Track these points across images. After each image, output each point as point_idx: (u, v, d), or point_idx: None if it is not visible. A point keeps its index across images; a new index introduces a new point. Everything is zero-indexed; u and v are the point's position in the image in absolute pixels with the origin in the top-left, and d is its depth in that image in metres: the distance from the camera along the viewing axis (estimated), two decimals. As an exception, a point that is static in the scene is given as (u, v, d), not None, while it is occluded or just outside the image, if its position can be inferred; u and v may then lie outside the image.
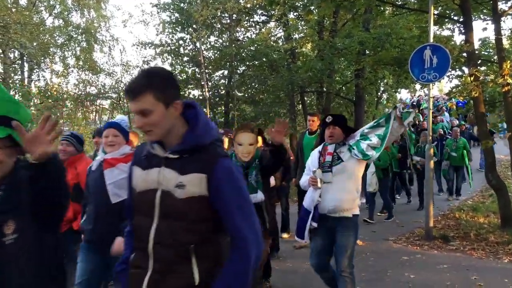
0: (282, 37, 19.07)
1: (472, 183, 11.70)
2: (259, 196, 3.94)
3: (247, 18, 19.13)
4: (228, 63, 17.96)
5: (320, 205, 4.05)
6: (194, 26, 17.03)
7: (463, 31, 9.25)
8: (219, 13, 16.77)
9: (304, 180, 4.29)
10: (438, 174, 12.20)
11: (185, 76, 18.66)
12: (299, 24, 18.66)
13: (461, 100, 16.28)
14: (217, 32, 18.63)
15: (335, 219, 4.04)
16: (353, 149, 4.10)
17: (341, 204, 4.01)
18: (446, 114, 20.54)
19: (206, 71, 17.40)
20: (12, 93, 16.16)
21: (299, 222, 4.26)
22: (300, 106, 18.90)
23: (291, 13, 17.74)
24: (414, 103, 28.53)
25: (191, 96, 18.99)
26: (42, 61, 16.83)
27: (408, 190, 11.52)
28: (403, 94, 31.99)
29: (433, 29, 8.26)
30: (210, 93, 17.97)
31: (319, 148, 4.36)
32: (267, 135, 7.67)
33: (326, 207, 4.03)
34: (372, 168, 8.97)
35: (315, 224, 4.07)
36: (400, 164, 10.53)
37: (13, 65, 17.62)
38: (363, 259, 6.54)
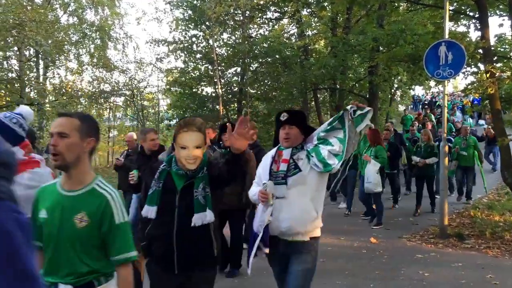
0: (295, 33, 19.05)
1: (487, 187, 10.77)
2: (208, 217, 2.87)
3: (260, 15, 19.12)
4: (241, 60, 17.98)
5: (272, 225, 3.24)
6: (207, 23, 17.07)
7: (479, 27, 9.14)
8: (232, 10, 16.78)
9: (253, 192, 3.46)
10: (438, 175, 11.55)
11: (198, 73, 18.74)
12: (312, 20, 18.61)
13: (476, 97, 16.07)
14: (230, 29, 18.65)
15: (288, 243, 3.27)
16: (312, 156, 3.27)
17: (297, 225, 3.22)
18: (458, 114, 20.04)
19: (219, 68, 17.44)
20: (27, 90, 16.39)
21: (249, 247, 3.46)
22: (313, 103, 18.85)
23: (304, 9, 17.71)
24: (426, 102, 28.20)
25: (204, 93, 19.04)
26: (57, 58, 17.00)
27: (396, 194, 10.54)
28: (417, 91, 31.67)
29: (448, 25, 8.17)
30: (223, 90, 18.01)
31: (272, 152, 3.52)
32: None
33: (278, 228, 3.23)
34: (375, 165, 8.23)
35: (266, 250, 3.30)
36: (390, 164, 9.60)
37: (29, 63, 17.81)
38: (377, 257, 6.52)
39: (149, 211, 2.88)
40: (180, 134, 2.87)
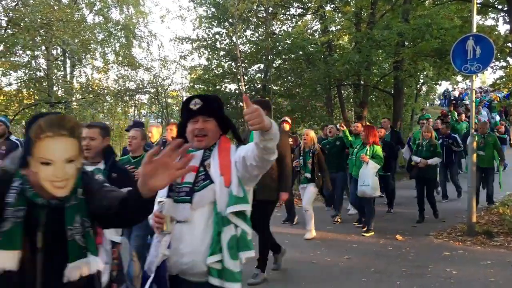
0: (319, 29, 18.92)
1: (503, 185, 9.84)
2: (92, 265, 1.80)
3: (283, 11, 19.06)
4: (264, 57, 17.95)
5: (170, 261, 2.29)
6: (230, 20, 17.10)
7: (507, 20, 8.96)
8: (255, 7, 16.77)
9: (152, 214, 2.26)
10: (443, 177, 10.63)
11: (221, 71, 18.79)
12: (336, 16, 18.44)
13: (505, 92, 15.69)
14: (253, 26, 18.64)
15: (193, 285, 2.34)
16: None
17: (203, 260, 2.25)
18: (483, 112, 19.23)
19: (242, 65, 17.45)
20: (55, 88, 16.70)
21: None
22: (337, 99, 18.71)
23: (328, 5, 17.56)
24: (452, 98, 27.57)
25: (227, 90, 19.09)
26: (83, 57, 17.25)
27: (392, 198, 9.70)
28: (444, 86, 31.12)
29: (476, 18, 8.00)
30: (246, 87, 18.01)
31: None
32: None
33: (178, 264, 2.29)
34: (374, 166, 7.48)
35: None
36: (384, 165, 8.48)
37: (56, 62, 18.14)
38: (403, 254, 6.46)
39: (5, 260, 1.68)
40: (39, 142, 1.68)
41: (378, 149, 7.68)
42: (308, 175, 7.29)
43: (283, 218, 8.87)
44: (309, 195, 7.38)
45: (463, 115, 15.57)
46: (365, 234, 7.54)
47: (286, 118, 9.02)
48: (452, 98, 27.49)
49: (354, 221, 8.53)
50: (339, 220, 8.67)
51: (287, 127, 8.57)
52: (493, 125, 19.35)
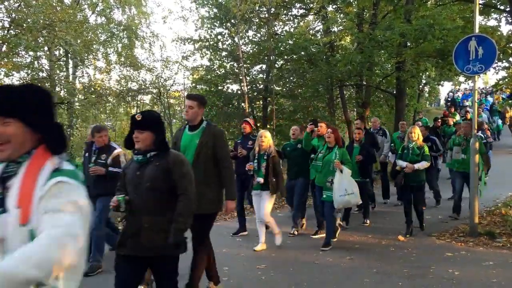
0: (321, 30, 18.94)
1: (484, 190, 8.23)
2: None
3: (285, 11, 19.07)
4: (266, 57, 17.98)
5: None
6: (232, 21, 17.13)
7: (510, 20, 8.95)
8: (257, 7, 16.80)
9: None
10: (428, 180, 9.38)
11: (223, 71, 18.82)
12: (338, 16, 18.48)
13: (507, 93, 15.62)
14: (255, 27, 18.67)
15: None
16: None
17: None
18: (484, 115, 18.83)
19: (245, 65, 17.47)
20: (57, 89, 16.72)
21: None
22: (339, 100, 18.72)
23: (330, 5, 17.58)
24: (449, 99, 27.48)
25: (229, 90, 19.12)
26: (85, 58, 17.28)
27: (367, 207, 8.75)
28: (446, 87, 31.20)
29: (479, 19, 8.00)
30: (249, 87, 18.04)
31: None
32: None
33: None
34: (348, 171, 6.75)
35: None
36: (361, 170, 8.06)
37: (58, 62, 18.18)
38: (405, 255, 6.45)
39: None
40: None
41: (346, 153, 6.99)
42: (261, 179, 6.58)
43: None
44: (266, 204, 6.66)
45: (450, 119, 14.69)
46: (324, 249, 6.66)
47: (248, 119, 8.41)
48: (449, 99, 27.36)
49: (313, 234, 7.71)
50: (296, 232, 7.78)
51: (247, 128, 8.02)
52: (494, 129, 19.25)
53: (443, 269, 5.72)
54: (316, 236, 7.56)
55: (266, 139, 6.66)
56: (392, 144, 10.23)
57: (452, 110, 19.84)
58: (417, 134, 7.62)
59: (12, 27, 13.57)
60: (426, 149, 7.60)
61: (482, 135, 10.30)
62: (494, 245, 6.87)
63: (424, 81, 23.13)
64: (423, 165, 7.43)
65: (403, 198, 7.98)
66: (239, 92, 18.50)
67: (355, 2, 14.32)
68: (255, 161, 6.66)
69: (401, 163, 7.54)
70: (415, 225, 7.82)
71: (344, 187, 6.60)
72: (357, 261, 6.18)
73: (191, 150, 4.45)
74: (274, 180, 6.57)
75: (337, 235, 7.32)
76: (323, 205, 7.03)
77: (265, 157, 6.59)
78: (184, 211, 3.41)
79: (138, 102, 21.57)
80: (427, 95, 26.06)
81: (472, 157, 7.57)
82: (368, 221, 8.54)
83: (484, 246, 6.84)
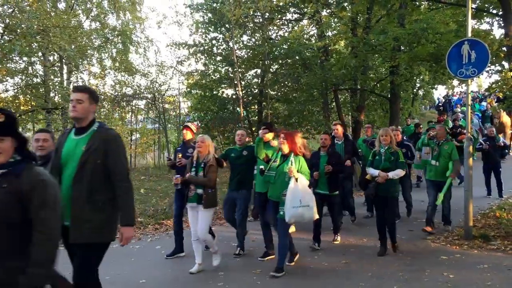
0: (315, 34, 18.99)
1: (442, 198, 7.76)
2: None
3: (279, 16, 19.12)
4: (261, 62, 18.01)
5: None
6: (227, 25, 17.14)
7: (502, 24, 9.02)
8: (251, 12, 16.82)
9: None
10: (406, 194, 9.19)
11: (218, 76, 18.82)
12: (332, 21, 18.56)
13: (500, 96, 15.62)
14: (249, 31, 18.69)
15: None
16: None
17: None
18: (475, 120, 18.46)
19: (239, 70, 17.49)
20: (52, 95, 16.68)
21: None
22: (334, 104, 18.77)
23: (324, 10, 17.64)
24: (441, 104, 27.52)
25: (224, 95, 19.13)
26: (80, 63, 17.25)
27: (337, 224, 7.62)
28: (440, 90, 31.43)
29: (471, 23, 8.05)
30: (243, 92, 18.05)
31: None
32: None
33: None
34: (306, 181, 5.86)
35: None
36: (330, 182, 7.10)
37: (53, 68, 18.13)
38: (401, 258, 6.46)
39: None
40: None
41: (304, 161, 5.96)
42: (200, 191, 5.84)
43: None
44: (205, 220, 5.90)
45: (421, 126, 14.20)
46: (275, 274, 5.77)
47: (189, 124, 7.25)
48: (440, 104, 27.35)
49: (261, 256, 6.67)
50: (241, 252, 6.89)
51: (188, 135, 7.03)
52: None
53: (438, 272, 5.74)
54: (266, 259, 6.57)
55: (204, 144, 5.94)
56: (360, 150, 9.48)
57: (445, 116, 19.80)
58: (390, 137, 6.65)
59: (6, 32, 13.54)
60: (401, 155, 6.63)
61: (475, 137, 10.25)
62: (488, 248, 6.90)
63: (418, 85, 23.26)
64: (397, 173, 6.48)
65: (376, 213, 6.99)
66: (234, 96, 18.50)
67: (349, 7, 14.38)
68: (193, 169, 5.93)
69: (373, 172, 6.62)
70: (409, 228, 7.83)
71: (298, 198, 5.61)
72: (353, 264, 6.19)
73: (75, 159, 3.42)
74: (210, 191, 5.86)
75: (295, 259, 6.35)
76: (276, 222, 6.05)
77: (202, 166, 5.88)
78: (39, 258, 2.43)
79: (133, 107, 21.55)
80: (421, 98, 26.17)
81: (465, 159, 7.60)
82: (338, 238, 7.50)
83: (479, 249, 6.87)
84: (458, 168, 7.91)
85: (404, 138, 9.88)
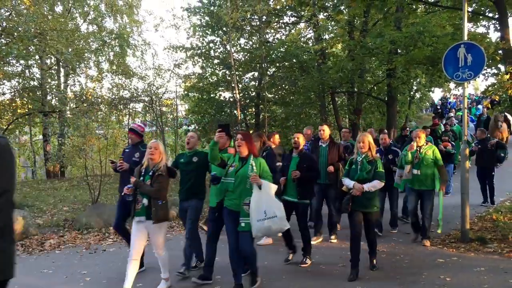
0: (312, 37, 19.06)
1: (441, 225, 7.41)
2: None
3: (276, 19, 19.17)
4: (258, 65, 18.02)
5: None
6: (224, 28, 17.17)
7: (498, 28, 9.06)
8: (248, 15, 16.86)
9: None
10: (389, 199, 8.34)
11: (215, 79, 18.84)
12: (329, 24, 18.60)
13: (496, 99, 15.65)
14: (247, 34, 18.72)
15: None
16: None
17: None
18: (471, 125, 18.28)
19: (237, 73, 17.50)
20: (49, 98, 16.68)
21: None
22: (331, 107, 18.80)
23: (321, 13, 17.69)
24: (438, 106, 27.47)
25: (221, 98, 19.15)
26: (77, 66, 17.27)
27: (307, 239, 6.51)
28: (437, 93, 31.45)
29: (467, 26, 8.09)
30: (241, 95, 18.06)
31: None
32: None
33: None
34: (273, 186, 5.07)
35: None
36: (300, 189, 6.33)
37: (50, 71, 18.14)
38: (397, 262, 6.47)
39: None
40: None
41: (263, 163, 5.21)
42: (146, 201, 5.14)
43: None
44: (158, 236, 5.30)
45: (408, 129, 13.65)
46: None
47: (134, 127, 6.53)
48: (438, 107, 27.26)
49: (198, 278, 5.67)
50: (186, 272, 5.92)
51: (133, 138, 6.39)
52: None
53: (435, 275, 5.74)
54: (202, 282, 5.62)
55: (157, 151, 5.25)
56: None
57: (438, 121, 19.60)
58: (368, 144, 5.80)
59: (3, 35, 13.54)
60: (380, 164, 5.81)
61: (470, 142, 9.54)
62: (485, 250, 6.92)
63: (415, 88, 23.32)
64: (374, 185, 5.67)
65: (351, 230, 5.98)
66: (231, 99, 18.52)
67: (346, 10, 14.42)
68: (141, 178, 5.22)
69: (348, 183, 5.81)
70: (405, 231, 7.82)
71: (263, 209, 4.89)
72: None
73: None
74: (160, 203, 5.16)
75: (258, 284, 5.39)
76: (236, 236, 5.12)
77: (150, 174, 5.22)
78: None
79: (130, 110, 21.53)
80: (418, 101, 26.22)
81: (462, 163, 7.62)
82: (308, 261, 6.42)
83: (476, 252, 6.88)
84: (445, 176, 7.54)
85: (391, 142, 9.22)
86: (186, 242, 6.04)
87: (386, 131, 9.12)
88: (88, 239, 8.33)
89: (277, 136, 8.39)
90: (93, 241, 8.18)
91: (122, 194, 5.41)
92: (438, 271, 5.93)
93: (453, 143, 12.02)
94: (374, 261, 6.12)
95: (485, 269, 5.92)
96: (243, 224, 4.99)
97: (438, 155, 7.29)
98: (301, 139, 6.59)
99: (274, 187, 5.05)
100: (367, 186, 5.64)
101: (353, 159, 5.96)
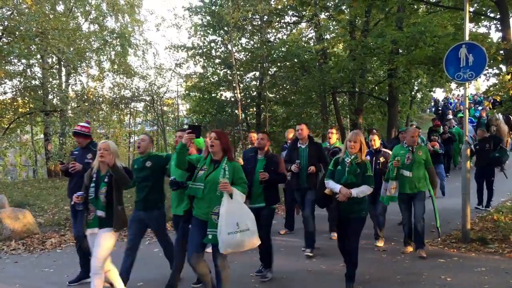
0: (314, 37, 19.07)
1: (440, 231, 7.26)
2: None
3: (278, 19, 19.19)
4: (259, 65, 18.05)
5: None
6: (225, 28, 17.19)
7: (500, 28, 9.05)
8: (250, 15, 16.87)
9: None
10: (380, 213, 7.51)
11: (217, 78, 18.87)
12: (330, 24, 18.61)
13: (497, 100, 15.55)
14: (248, 34, 18.75)
15: None
16: None
17: None
18: (470, 127, 18.04)
19: (238, 72, 17.51)
20: (50, 97, 16.69)
21: None
22: (332, 106, 18.81)
23: (323, 13, 17.70)
24: (440, 107, 27.33)
25: (223, 97, 19.17)
26: (78, 65, 17.29)
27: (270, 250, 5.85)
28: (438, 93, 31.38)
29: (469, 26, 8.07)
30: (242, 94, 18.09)
31: None
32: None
33: None
34: (241, 195, 4.36)
35: None
36: (266, 195, 5.75)
37: (51, 70, 18.16)
38: (398, 262, 6.46)
39: None
40: None
41: (238, 167, 4.52)
42: (101, 213, 4.51)
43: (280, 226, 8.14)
44: (104, 247, 4.52)
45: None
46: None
47: (77, 129, 5.88)
48: (439, 108, 27.12)
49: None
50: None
51: (80, 141, 5.88)
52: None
53: (435, 275, 5.73)
54: None
55: (108, 152, 4.54)
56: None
57: (439, 122, 19.42)
58: (359, 144, 5.12)
59: (4, 35, 13.56)
60: (369, 168, 5.15)
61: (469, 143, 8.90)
62: (486, 251, 6.90)
63: (416, 88, 23.31)
64: (363, 191, 5.03)
65: (338, 238, 5.43)
66: (232, 99, 18.54)
67: (347, 10, 14.42)
68: (92, 185, 4.57)
69: (333, 186, 5.12)
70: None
71: (235, 220, 4.23)
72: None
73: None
74: (121, 209, 4.59)
75: None
76: (197, 250, 4.48)
77: (106, 179, 4.56)
78: None
79: (131, 110, 21.57)
80: (419, 101, 26.20)
81: (463, 162, 7.61)
82: (269, 274, 5.80)
83: (476, 252, 6.86)
84: (435, 178, 7.10)
85: (382, 142, 8.45)
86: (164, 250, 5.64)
87: (375, 131, 8.53)
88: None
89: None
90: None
91: (72, 203, 4.72)
92: (439, 271, 5.92)
93: (441, 143, 11.80)
94: (352, 283, 5.21)
95: (486, 270, 5.91)
96: (210, 236, 4.29)
97: (429, 157, 6.89)
98: (265, 140, 5.96)
99: (243, 196, 4.39)
100: (355, 192, 4.97)
101: (338, 159, 5.24)
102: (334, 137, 7.90)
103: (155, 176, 5.47)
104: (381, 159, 7.38)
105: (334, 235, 7.31)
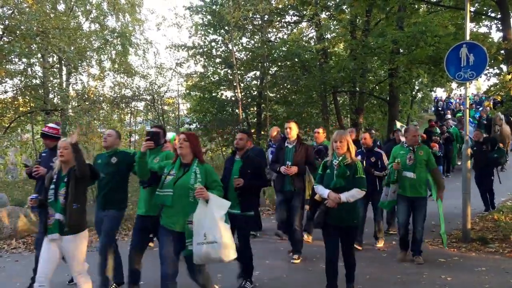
0: (314, 37, 19.05)
1: (446, 239, 6.84)
2: None
3: (278, 18, 19.17)
4: (260, 64, 18.03)
5: None
6: (226, 27, 17.18)
7: (500, 28, 9.05)
8: (250, 15, 16.86)
9: None
10: (362, 212, 6.85)
11: (217, 78, 18.85)
12: (331, 23, 18.59)
13: (498, 100, 15.52)
14: (249, 33, 18.73)
15: None
16: None
17: None
18: (471, 128, 17.69)
19: (238, 72, 17.50)
20: (51, 96, 16.69)
21: None
22: (333, 106, 18.80)
23: (323, 12, 17.69)
24: (440, 108, 27.23)
25: (223, 97, 19.15)
26: (79, 64, 17.26)
27: (249, 263, 5.38)
28: (440, 93, 31.28)
29: (470, 26, 8.08)
30: (242, 94, 18.07)
31: None
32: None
33: None
34: (221, 202, 4.16)
35: None
36: (242, 200, 5.21)
37: (52, 69, 18.14)
38: (398, 261, 6.46)
39: None
40: None
41: (211, 170, 4.28)
42: (60, 216, 4.07)
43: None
44: (74, 252, 4.20)
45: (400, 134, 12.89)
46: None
47: (45, 131, 5.67)
48: (440, 108, 26.99)
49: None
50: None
51: (48, 143, 5.61)
52: None
53: (436, 275, 5.74)
54: None
55: (67, 151, 4.16)
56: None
57: (434, 123, 19.26)
58: (346, 144, 4.75)
59: (5, 34, 13.55)
60: (360, 168, 4.73)
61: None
62: (486, 250, 6.91)
63: (417, 88, 23.29)
64: (353, 195, 4.62)
65: (326, 249, 4.90)
66: (233, 98, 18.53)
67: (348, 10, 14.41)
68: (52, 186, 4.17)
69: (321, 191, 4.76)
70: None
71: (203, 230, 3.94)
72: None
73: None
74: (75, 207, 4.09)
75: None
76: (172, 262, 4.21)
77: (66, 179, 4.14)
78: None
79: (132, 109, 21.54)
80: (420, 101, 26.16)
81: (464, 162, 7.61)
82: (248, 285, 5.35)
83: (477, 252, 6.88)
84: (442, 180, 6.78)
85: (377, 142, 8.43)
86: (100, 259, 5.07)
87: (373, 131, 8.07)
88: (89, 237, 8.32)
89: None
90: (94, 239, 8.18)
91: (25, 206, 4.40)
92: (439, 271, 5.93)
93: (441, 144, 11.76)
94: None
95: (486, 269, 5.92)
96: (190, 248, 4.01)
97: (432, 157, 6.48)
98: (244, 140, 5.44)
99: (225, 205, 4.12)
100: (344, 197, 4.57)
101: (327, 162, 4.87)
102: (321, 137, 7.61)
103: (120, 173, 5.18)
104: (372, 159, 7.14)
105: (307, 237, 7.16)
